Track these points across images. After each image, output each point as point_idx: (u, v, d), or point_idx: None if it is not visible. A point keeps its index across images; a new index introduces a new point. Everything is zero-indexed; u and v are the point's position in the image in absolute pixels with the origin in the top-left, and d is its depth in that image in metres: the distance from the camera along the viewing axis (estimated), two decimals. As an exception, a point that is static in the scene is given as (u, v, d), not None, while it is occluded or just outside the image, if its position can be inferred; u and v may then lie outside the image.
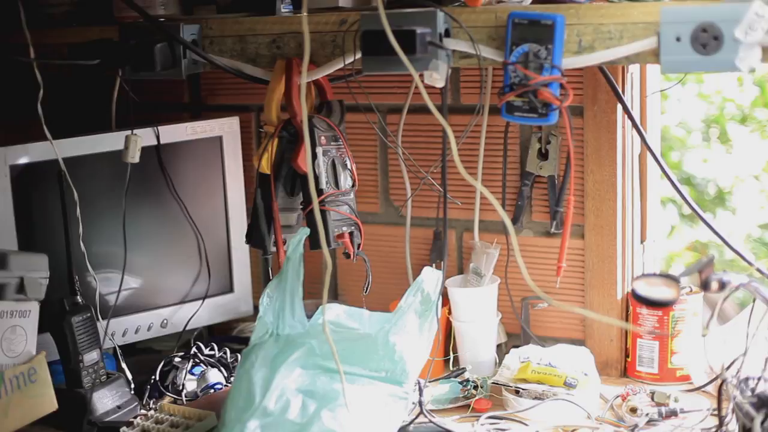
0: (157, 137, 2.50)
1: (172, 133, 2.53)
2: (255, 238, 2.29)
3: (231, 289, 2.68)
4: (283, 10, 2.27)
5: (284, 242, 2.25)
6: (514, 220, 2.51)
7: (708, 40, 1.87)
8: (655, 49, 1.92)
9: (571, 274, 2.47)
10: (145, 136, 2.44)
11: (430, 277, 2.18)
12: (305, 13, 1.99)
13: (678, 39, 1.89)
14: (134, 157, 2.40)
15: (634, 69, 2.41)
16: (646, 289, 2.01)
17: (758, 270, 2.19)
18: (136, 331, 2.55)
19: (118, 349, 2.45)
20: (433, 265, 2.51)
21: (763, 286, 2.08)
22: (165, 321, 2.58)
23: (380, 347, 2.11)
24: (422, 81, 2.02)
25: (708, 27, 1.86)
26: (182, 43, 2.23)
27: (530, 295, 2.50)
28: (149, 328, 2.57)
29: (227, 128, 2.62)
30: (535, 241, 2.53)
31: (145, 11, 2.27)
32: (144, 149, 2.42)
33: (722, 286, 1.98)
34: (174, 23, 2.25)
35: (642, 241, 2.53)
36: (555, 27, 1.96)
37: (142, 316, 2.55)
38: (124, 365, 2.43)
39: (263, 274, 2.71)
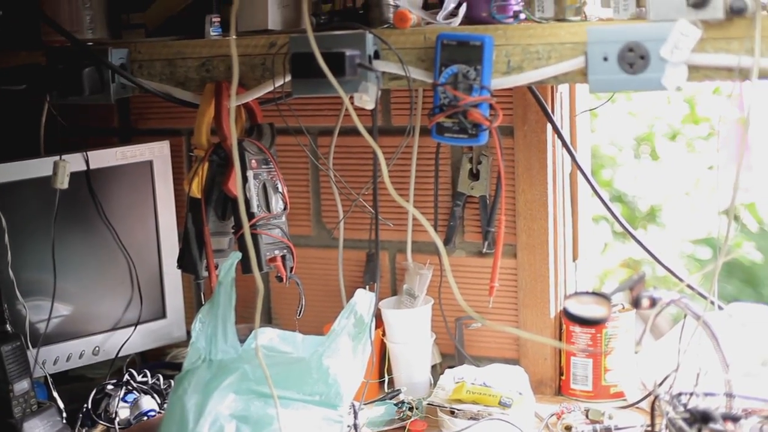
0: (87, 162, 2.47)
1: (102, 158, 2.51)
2: (186, 263, 2.28)
3: (163, 315, 2.66)
4: (212, 34, 2.25)
5: (216, 267, 2.24)
6: (447, 241, 2.51)
7: (635, 60, 1.89)
8: (582, 68, 1.94)
9: (504, 294, 2.48)
10: (74, 162, 2.41)
11: (363, 299, 2.18)
12: (234, 36, 1.99)
13: (605, 58, 1.91)
14: (63, 182, 2.37)
15: (563, 88, 2.43)
16: (577, 308, 2.02)
17: (689, 286, 2.21)
18: (68, 359, 2.52)
19: (49, 377, 2.42)
20: (367, 287, 2.51)
21: (693, 302, 2.10)
22: (97, 348, 2.55)
23: (314, 371, 2.10)
24: (352, 103, 2.02)
25: (634, 46, 1.88)
26: (110, 68, 2.21)
27: (464, 315, 2.50)
28: (81, 356, 2.53)
29: (157, 152, 2.60)
30: (467, 261, 2.53)
31: (73, 35, 2.25)
32: (73, 175, 2.40)
33: (653, 303, 1.99)
34: (102, 47, 2.24)
35: (574, 260, 2.54)
36: (483, 48, 1.97)
37: (73, 343, 2.52)
38: (55, 394, 2.39)
39: (196, 299, 2.69)
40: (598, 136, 4.55)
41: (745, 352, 2.13)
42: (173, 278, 2.65)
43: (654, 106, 4.67)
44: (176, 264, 2.32)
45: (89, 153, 2.48)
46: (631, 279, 2.01)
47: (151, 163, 2.59)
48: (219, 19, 2.27)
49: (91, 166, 2.48)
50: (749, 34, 1.84)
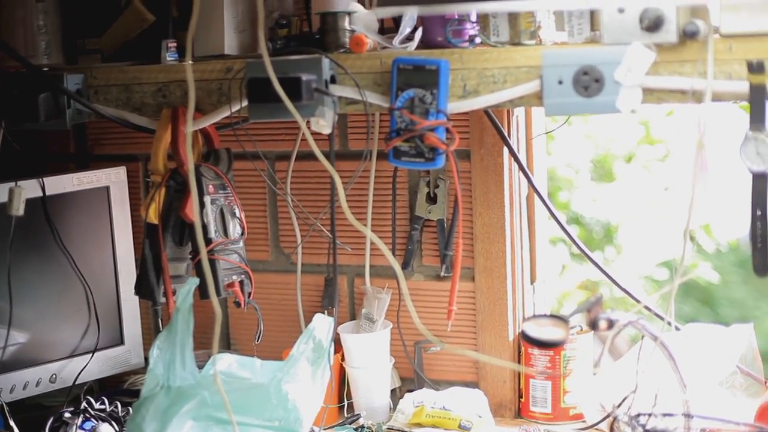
0: (43, 189, 2.45)
1: (58, 184, 2.50)
2: (144, 289, 2.27)
3: (121, 342, 2.64)
4: (168, 59, 2.25)
5: (174, 293, 2.23)
6: (405, 265, 2.52)
7: (589, 83, 1.90)
8: (538, 92, 1.95)
9: (462, 317, 2.48)
10: (29, 188, 2.39)
11: (322, 323, 2.17)
12: (190, 62, 1.99)
13: (560, 82, 1.92)
14: (19, 209, 2.35)
15: (519, 112, 2.44)
16: (535, 331, 2.03)
17: (646, 307, 2.22)
18: (24, 387, 2.49)
19: (5, 406, 2.39)
20: (325, 311, 2.50)
21: (651, 324, 2.12)
22: (54, 376, 2.53)
23: (273, 396, 2.09)
24: (309, 128, 2.02)
25: (589, 70, 1.90)
26: (66, 93, 2.20)
27: (423, 339, 2.50)
28: (38, 384, 2.51)
29: (114, 178, 2.59)
30: (425, 284, 2.53)
31: (28, 61, 2.25)
32: (29, 201, 2.38)
33: (610, 324, 2.00)
34: (58, 73, 2.23)
35: (532, 282, 2.55)
36: (439, 72, 1.98)
37: (30, 371, 2.50)
38: (12, 423, 2.37)
39: (153, 325, 2.69)
40: (555, 159, 4.57)
41: (703, 372, 2.14)
42: (130, 305, 2.63)
43: (610, 128, 4.71)
44: (134, 290, 2.30)
45: (45, 179, 2.46)
46: (589, 301, 2.02)
47: (107, 189, 2.58)
48: (175, 45, 2.27)
49: (48, 192, 2.47)
50: (702, 57, 1.86)
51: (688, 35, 1.85)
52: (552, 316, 2.11)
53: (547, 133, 2.53)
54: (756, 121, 1.87)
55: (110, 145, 2.78)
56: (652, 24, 1.86)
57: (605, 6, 1.89)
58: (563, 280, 4.50)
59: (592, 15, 2.02)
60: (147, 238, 2.24)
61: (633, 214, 4.66)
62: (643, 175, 4.68)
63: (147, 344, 2.58)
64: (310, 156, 2.18)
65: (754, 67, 1.83)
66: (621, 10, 1.88)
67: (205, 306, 2.24)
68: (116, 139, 2.76)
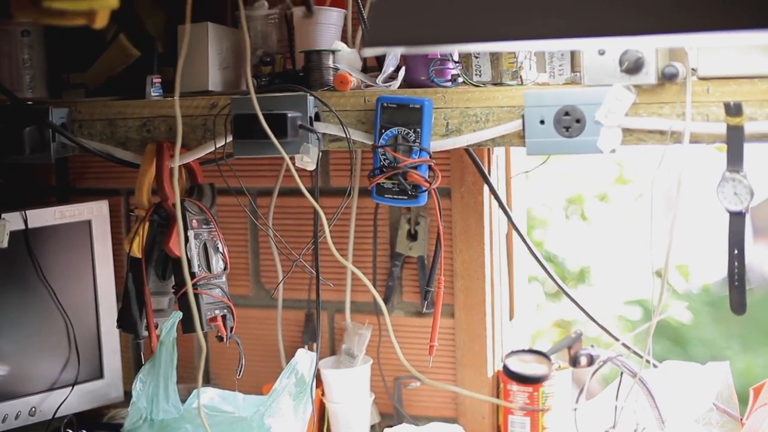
0: (25, 221, 2.46)
1: (41, 217, 2.50)
2: (126, 322, 2.27)
3: (101, 375, 2.64)
4: (152, 94, 2.27)
5: (156, 326, 2.24)
6: (385, 301, 2.53)
7: (571, 123, 1.94)
8: (520, 131, 1.99)
9: (442, 353, 2.50)
10: (12, 221, 2.40)
11: (304, 358, 2.19)
12: (177, 97, 2.01)
13: (542, 122, 1.95)
14: (3, 241, 2.36)
15: (499, 151, 2.47)
16: (518, 366, 2.05)
17: (624, 344, 2.25)
18: (3, 420, 2.49)
19: (-16, 438, 2.40)
20: (305, 346, 2.52)
21: (629, 361, 2.14)
22: (33, 409, 2.53)
23: (256, 430, 2.11)
24: (293, 164, 2.05)
25: (570, 110, 1.93)
26: (51, 127, 2.22)
27: (403, 374, 2.52)
28: (17, 417, 2.50)
29: (96, 212, 2.60)
30: (406, 321, 2.55)
31: (13, 94, 2.26)
32: (12, 233, 2.39)
33: (591, 360, 2.03)
34: (43, 106, 2.24)
35: (510, 319, 2.57)
36: (423, 110, 2.01)
37: (9, 404, 2.49)
38: (-10, 455, 2.38)
39: (134, 359, 2.69)
40: (529, 198, 4.60)
41: (680, 409, 2.17)
42: (111, 338, 2.63)
43: (584, 167, 4.73)
44: (116, 323, 2.31)
45: (28, 212, 2.47)
46: (569, 337, 2.04)
47: (89, 222, 2.58)
48: (160, 80, 2.29)
49: (30, 225, 2.47)
50: (680, 98, 1.90)
51: (667, 77, 1.89)
52: (534, 351, 2.14)
53: (526, 172, 2.56)
54: (733, 162, 1.90)
55: (92, 179, 2.79)
56: (632, 66, 1.89)
57: (586, 48, 1.92)
58: (537, 319, 4.51)
59: (573, 56, 2.05)
60: (130, 271, 2.25)
61: (606, 253, 4.69)
62: (617, 214, 4.71)
63: (127, 378, 2.59)
64: (292, 192, 2.21)
65: (731, 109, 1.87)
66: (601, 52, 1.91)
67: (184, 340, 2.26)
68: (98, 173, 2.77)
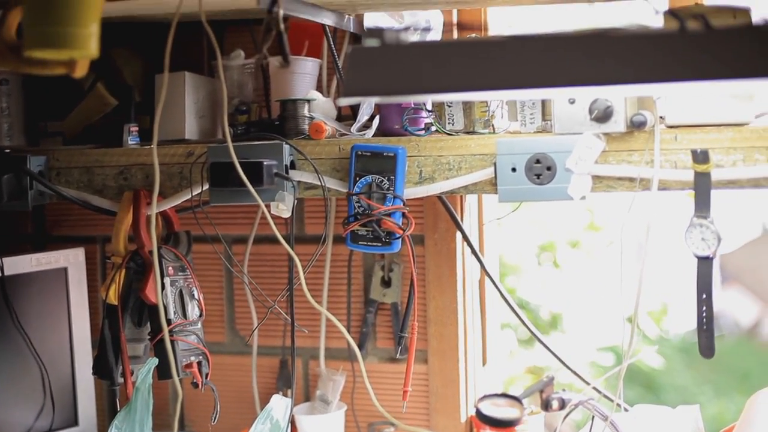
0: (1, 269, 2.46)
1: (17, 264, 2.51)
2: (102, 369, 2.28)
3: (76, 422, 2.63)
4: (130, 143, 2.29)
5: (132, 373, 2.25)
6: (360, 347, 2.54)
7: (542, 170, 1.97)
8: (492, 179, 2.02)
9: (416, 398, 2.52)
10: (-13, 268, 2.42)
11: (279, 404, 2.20)
12: (155, 145, 2.03)
13: (513, 169, 1.99)
14: (-20, 288, 2.38)
15: (471, 198, 2.50)
16: (491, 410, 2.07)
17: (595, 389, 2.27)
18: (-22, 467, 2.49)
19: (-42, 486, 2.39)
20: (280, 393, 2.52)
21: (600, 405, 2.17)
22: (7, 456, 2.53)
23: (230, 476, 2.11)
24: (269, 211, 2.07)
25: (541, 158, 1.97)
26: (29, 175, 2.24)
27: (377, 420, 2.53)
28: (-8, 464, 2.51)
29: (72, 259, 2.61)
30: (380, 367, 2.57)
31: (-9, 143, 2.28)
32: (-13, 281, 2.40)
33: (562, 404, 2.05)
34: (21, 154, 2.26)
35: (483, 365, 2.59)
36: (397, 159, 2.04)
37: (-17, 451, 2.50)
38: (-36, 503, 2.37)
39: (109, 405, 2.69)
40: (502, 245, 4.62)
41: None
42: (86, 385, 2.64)
43: (556, 214, 4.77)
44: (91, 370, 2.32)
45: (4, 259, 2.48)
46: (541, 381, 2.07)
47: (65, 270, 2.59)
48: (137, 129, 2.31)
49: (6, 273, 2.48)
50: (649, 146, 1.94)
51: (635, 125, 1.92)
52: (507, 395, 2.16)
53: (498, 219, 2.58)
54: (700, 208, 1.94)
55: (68, 226, 2.81)
56: (602, 115, 1.93)
57: (556, 97, 1.96)
58: (510, 365, 4.52)
59: (544, 105, 2.09)
60: (106, 318, 2.26)
61: (578, 300, 4.71)
62: (589, 261, 4.74)
63: (102, 425, 2.59)
64: (267, 239, 2.23)
65: (699, 157, 1.91)
66: (572, 101, 1.95)
67: (160, 387, 2.27)
68: (74, 221, 2.78)
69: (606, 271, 4.65)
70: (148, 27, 2.25)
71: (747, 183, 1.92)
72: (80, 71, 1.54)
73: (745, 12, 1.97)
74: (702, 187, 1.92)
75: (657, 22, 1.89)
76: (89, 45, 1.48)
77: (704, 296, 1.98)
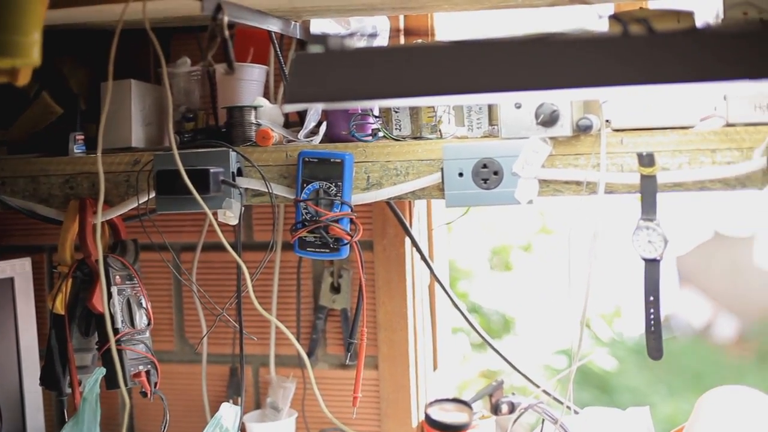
0: (-53, 279, 2.45)
1: (-38, 275, 2.49)
2: (49, 379, 2.26)
3: (24, 434, 2.62)
4: (75, 151, 2.28)
5: (80, 383, 2.23)
6: (309, 354, 2.54)
7: (488, 175, 1.97)
8: (439, 184, 2.02)
9: (366, 404, 2.52)
10: (-67, 279, 2.39)
11: (229, 412, 2.19)
12: (100, 154, 2.01)
13: (460, 174, 1.99)
14: None
15: (420, 203, 2.50)
16: (439, 414, 2.07)
17: (545, 392, 2.27)
18: (-76, 481, 2.46)
19: None
20: (230, 400, 2.51)
21: (551, 408, 2.17)
22: (-46, 469, 2.50)
23: (180, 485, 2.10)
24: (216, 219, 2.06)
25: (488, 162, 1.97)
26: (-27, 186, 2.22)
27: (328, 427, 2.52)
28: (-62, 477, 2.48)
29: (19, 269, 2.58)
30: (330, 373, 2.56)
31: (-66, 154, 2.26)
32: (-68, 292, 2.37)
33: (512, 408, 2.06)
34: (-36, 165, 2.24)
35: (434, 370, 2.59)
36: (344, 165, 2.04)
37: (-70, 465, 2.47)
38: None
39: (57, 416, 2.67)
40: (453, 250, 4.63)
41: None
42: (34, 396, 2.61)
43: (508, 218, 4.78)
44: (39, 381, 2.30)
45: (-50, 270, 2.46)
46: (490, 386, 2.07)
47: (12, 280, 2.57)
48: (83, 137, 2.30)
49: (-48, 283, 2.46)
50: (595, 150, 1.94)
51: (581, 129, 1.93)
52: (456, 400, 2.16)
53: (447, 223, 2.59)
54: (647, 211, 1.95)
55: (14, 236, 2.78)
56: (548, 119, 1.93)
57: (503, 102, 1.96)
58: (463, 370, 4.53)
59: (491, 110, 2.09)
60: (53, 328, 2.24)
61: (531, 303, 4.72)
62: (541, 264, 4.75)
63: (50, 436, 2.58)
64: (215, 247, 2.22)
65: (644, 160, 1.91)
66: (518, 106, 1.95)
67: (108, 397, 2.25)
68: (20, 230, 2.76)
69: (558, 275, 4.67)
70: (93, 34, 2.23)
71: (693, 186, 1.93)
72: (23, 79, 1.53)
73: (689, 15, 1.98)
74: (648, 190, 1.93)
75: (601, 26, 1.89)
76: (31, 53, 1.47)
77: (652, 298, 1.98)
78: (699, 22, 1.98)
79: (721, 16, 1.96)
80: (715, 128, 1.92)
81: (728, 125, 1.94)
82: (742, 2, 1.91)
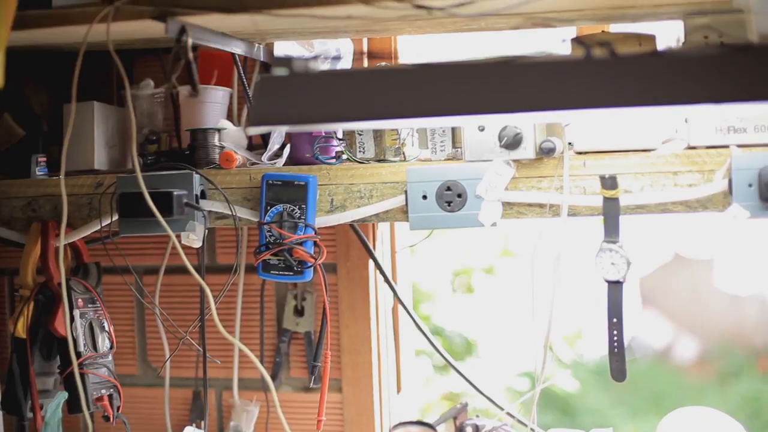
0: None
1: None
2: (11, 404, 2.24)
3: (-16, 459, 2.59)
4: (38, 173, 2.26)
5: (41, 407, 2.21)
6: (273, 377, 2.53)
7: (452, 198, 1.98)
8: (403, 206, 2.02)
9: (330, 428, 2.51)
10: None
11: (192, 436, 2.18)
12: (63, 176, 2.01)
13: (424, 197, 1.99)
14: None
15: (384, 226, 2.50)
16: (404, 438, 2.06)
17: (508, 414, 2.27)
18: None
19: None
20: (194, 424, 2.50)
21: (514, 430, 2.17)
22: None
23: None
24: (180, 242, 2.05)
25: (452, 185, 1.98)
26: (-67, 208, 2.20)
27: (291, 450, 2.52)
28: None
29: (-21, 293, 2.57)
30: (294, 396, 2.56)
31: None
32: None
33: (476, 430, 2.05)
34: (-75, 188, 2.22)
35: (398, 392, 2.59)
36: (308, 187, 2.04)
37: None
38: None
39: (18, 441, 2.65)
40: (416, 272, 4.63)
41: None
42: (-6, 421, 2.59)
43: (471, 241, 4.79)
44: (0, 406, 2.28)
45: None
46: (455, 408, 2.07)
47: (-28, 303, 2.56)
48: (45, 159, 2.28)
49: None
50: (558, 172, 1.95)
51: (544, 152, 1.94)
52: (420, 423, 2.16)
53: (410, 246, 2.59)
54: (610, 233, 1.96)
55: (-25, 259, 2.77)
56: (511, 142, 1.94)
57: (466, 125, 1.97)
58: (426, 392, 4.53)
59: (454, 133, 2.10)
60: (14, 352, 2.22)
61: (494, 325, 4.73)
62: (503, 286, 4.76)
63: (11, 461, 2.55)
64: (178, 270, 2.21)
65: (607, 182, 1.93)
66: (481, 129, 1.96)
67: (70, 420, 2.23)
68: (-19, 254, 2.74)
69: (521, 297, 4.67)
70: (56, 56, 2.23)
71: (655, 208, 1.94)
72: (-16, 102, 1.52)
73: (651, 39, 2.00)
74: (611, 212, 1.94)
75: (564, 49, 1.91)
76: (-7, 75, 1.46)
77: (615, 320, 1.99)
78: (660, 46, 2.00)
79: (683, 39, 1.98)
80: (677, 151, 1.94)
81: (690, 148, 1.95)
82: (702, 26, 1.93)
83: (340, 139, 2.14)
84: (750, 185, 1.87)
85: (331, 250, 2.45)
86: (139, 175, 1.98)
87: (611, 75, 1.28)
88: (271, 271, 2.08)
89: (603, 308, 2.01)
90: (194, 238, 2.08)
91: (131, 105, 2.12)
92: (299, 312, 2.53)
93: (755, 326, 6.01)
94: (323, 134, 2.13)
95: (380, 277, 2.48)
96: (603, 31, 2.17)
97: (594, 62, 1.29)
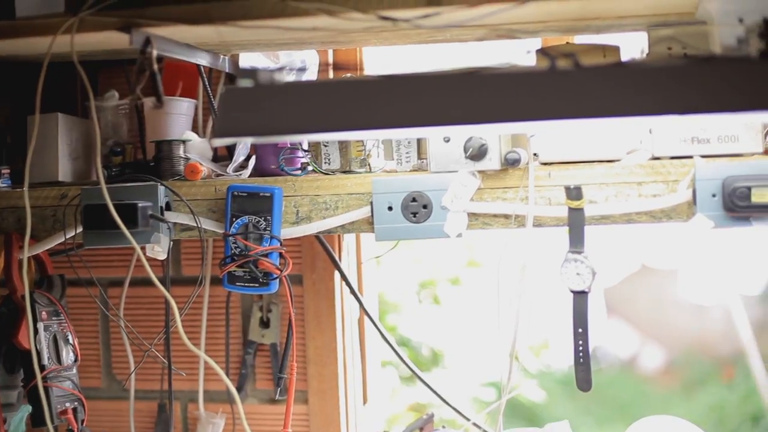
0: None
1: None
2: (-27, 418, 2.23)
3: (-53, 473, 2.57)
4: (1, 185, 2.25)
5: (5, 421, 2.19)
6: (239, 389, 2.53)
7: (418, 209, 1.98)
8: (368, 218, 2.02)
9: (297, 440, 2.51)
10: None
11: (157, 449, 2.17)
12: (26, 188, 1.99)
13: (390, 208, 1.99)
14: None
15: (350, 237, 2.50)
16: (370, 450, 2.06)
17: (474, 424, 2.28)
18: None
19: None
20: (159, 437, 2.49)
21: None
22: None
23: None
24: (144, 254, 2.04)
25: (417, 196, 1.98)
26: None
27: (257, 462, 2.51)
28: None
29: (-58, 306, 2.54)
30: (260, 408, 2.55)
31: None
32: None
33: (442, 442, 2.05)
34: None
35: (364, 404, 2.59)
36: (273, 199, 2.04)
37: None
38: None
39: (-18, 455, 2.62)
40: (382, 283, 4.63)
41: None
42: (-43, 435, 2.57)
43: (436, 252, 4.79)
44: (-38, 420, 2.26)
45: None
46: (421, 419, 2.07)
47: (-65, 317, 2.53)
48: (8, 171, 2.27)
49: None
50: (524, 183, 1.96)
51: (510, 163, 1.95)
52: (386, 435, 2.15)
53: (376, 257, 2.59)
54: (575, 244, 1.96)
55: (-62, 272, 2.74)
56: (476, 153, 1.94)
57: (431, 136, 1.97)
58: (392, 403, 4.52)
59: (419, 144, 2.10)
60: (-23, 366, 2.21)
61: (460, 336, 4.73)
62: (469, 297, 4.77)
63: (-26, 476, 2.53)
64: (143, 282, 2.20)
65: (572, 193, 1.93)
66: (446, 140, 1.97)
67: (35, 434, 2.21)
68: (-56, 267, 2.72)
69: (486, 307, 4.68)
70: (20, 67, 2.21)
71: (620, 218, 1.95)
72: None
73: (615, 50, 2.01)
74: (576, 222, 1.95)
75: (529, 61, 1.91)
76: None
77: (580, 330, 2.00)
78: (625, 57, 2.01)
79: (647, 51, 1.99)
80: (642, 161, 1.95)
81: (654, 158, 1.96)
82: (666, 38, 1.94)
83: (305, 151, 2.14)
84: (714, 195, 1.89)
85: (297, 261, 2.45)
86: (104, 186, 1.98)
87: (576, 86, 1.28)
88: (237, 283, 2.08)
89: (568, 318, 2.02)
90: (159, 250, 2.07)
91: (96, 116, 2.11)
92: (265, 324, 2.52)
93: (720, 335, 6.04)
94: (288, 145, 2.13)
95: (346, 289, 2.48)
96: (567, 43, 2.18)
97: (559, 73, 1.29)
